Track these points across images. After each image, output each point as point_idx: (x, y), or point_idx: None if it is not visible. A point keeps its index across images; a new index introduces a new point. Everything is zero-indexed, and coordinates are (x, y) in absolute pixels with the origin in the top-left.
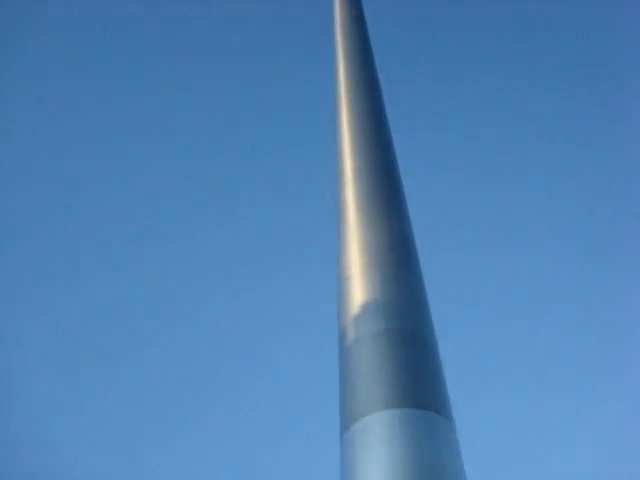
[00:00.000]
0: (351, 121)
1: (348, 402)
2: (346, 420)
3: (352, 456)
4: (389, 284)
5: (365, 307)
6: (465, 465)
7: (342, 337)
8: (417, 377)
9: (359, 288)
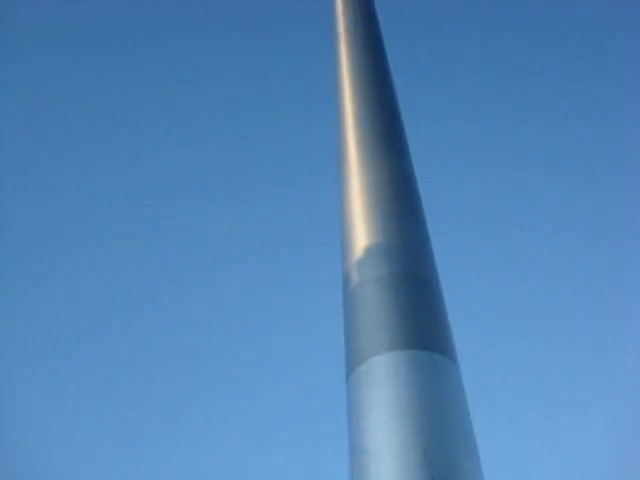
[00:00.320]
0: (351, 61)
1: (353, 345)
2: (351, 362)
3: (358, 397)
4: (392, 227)
5: (368, 251)
6: (469, 405)
7: (346, 281)
8: (421, 319)
9: (362, 232)
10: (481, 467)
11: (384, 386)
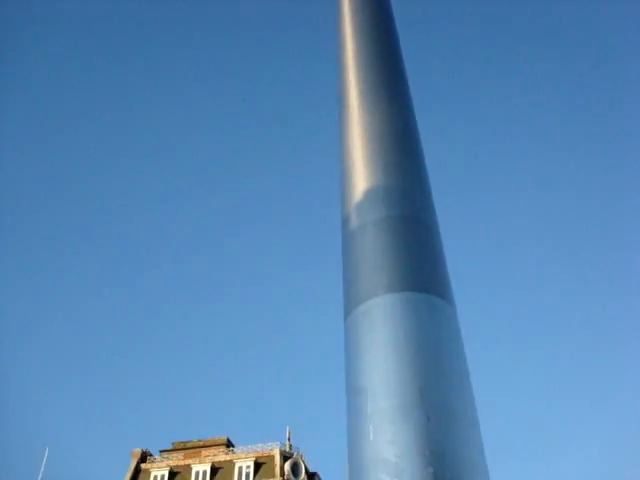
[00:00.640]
0: (352, 4)
1: (351, 288)
2: (349, 304)
3: (355, 338)
4: (391, 170)
5: (367, 194)
6: (465, 348)
7: (345, 225)
8: (419, 262)
9: (361, 175)
10: (475, 407)
11: (381, 327)
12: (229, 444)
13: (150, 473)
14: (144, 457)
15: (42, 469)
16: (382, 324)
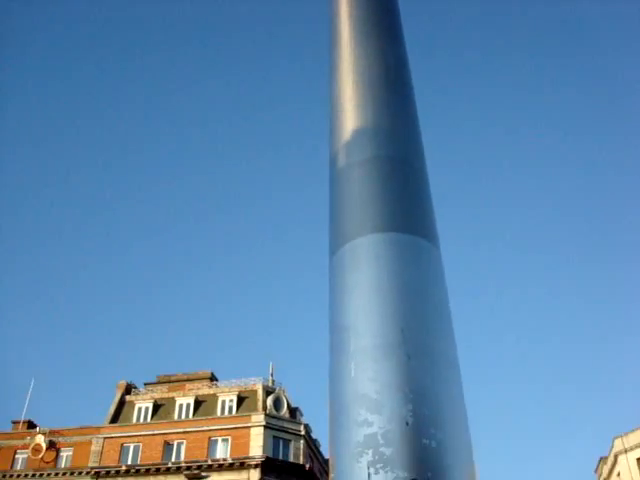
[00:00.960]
0: None
1: (337, 227)
2: (335, 242)
3: (340, 276)
4: (379, 110)
5: (354, 134)
6: (448, 291)
7: (332, 165)
8: (404, 203)
9: (350, 115)
10: (455, 348)
11: (366, 267)
12: (213, 378)
13: (135, 405)
14: (129, 389)
15: (28, 400)
16: (367, 264)
